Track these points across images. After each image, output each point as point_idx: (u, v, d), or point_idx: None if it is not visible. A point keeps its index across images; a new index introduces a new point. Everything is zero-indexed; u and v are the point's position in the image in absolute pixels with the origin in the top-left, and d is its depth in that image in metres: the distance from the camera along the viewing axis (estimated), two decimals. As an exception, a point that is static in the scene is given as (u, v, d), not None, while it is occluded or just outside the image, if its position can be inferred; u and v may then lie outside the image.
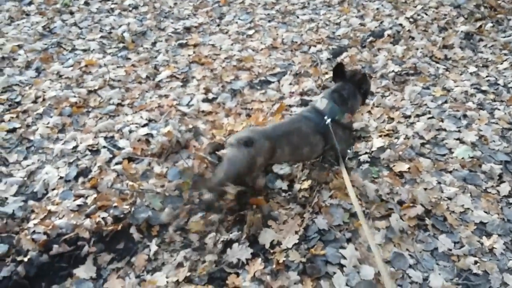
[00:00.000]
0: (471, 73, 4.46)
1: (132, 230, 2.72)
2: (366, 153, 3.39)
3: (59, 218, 2.74)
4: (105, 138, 3.40)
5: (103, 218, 2.74)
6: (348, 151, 3.26)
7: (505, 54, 4.87)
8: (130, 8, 5.24)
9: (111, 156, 3.22)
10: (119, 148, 3.28)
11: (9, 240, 2.59)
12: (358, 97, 3.04)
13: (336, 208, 2.88)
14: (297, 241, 2.66)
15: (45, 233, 2.62)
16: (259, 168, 2.64)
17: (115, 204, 2.82)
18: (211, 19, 5.16)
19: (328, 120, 2.76)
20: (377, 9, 5.52)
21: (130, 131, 3.41)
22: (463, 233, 2.80)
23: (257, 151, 2.54)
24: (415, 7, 5.64)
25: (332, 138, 2.76)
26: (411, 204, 2.92)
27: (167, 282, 2.45)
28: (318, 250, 2.62)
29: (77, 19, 4.98)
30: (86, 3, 5.31)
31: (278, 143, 2.64)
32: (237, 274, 2.50)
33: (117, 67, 4.22)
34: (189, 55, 4.43)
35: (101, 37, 4.71)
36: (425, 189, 3.07)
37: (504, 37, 5.22)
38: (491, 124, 3.72)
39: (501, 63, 4.69)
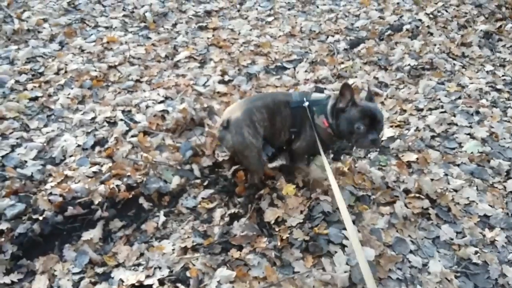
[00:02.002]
0: (487, 72, 4.47)
1: (141, 200, 2.83)
2: (376, 142, 3.43)
3: (75, 183, 2.85)
4: (123, 111, 3.50)
5: (116, 185, 2.84)
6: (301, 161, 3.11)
7: (524, 56, 4.86)
8: (153, -11, 5.35)
9: (127, 128, 3.33)
10: (136, 122, 3.39)
11: (26, 199, 2.71)
12: (351, 128, 2.55)
13: (342, 191, 2.94)
14: (301, 220, 2.73)
15: (61, 195, 2.73)
16: (255, 139, 2.65)
17: (129, 173, 2.93)
18: (231, 4, 5.23)
19: (306, 103, 2.69)
20: (398, 3, 5.53)
21: (147, 107, 3.51)
22: (466, 224, 2.84)
23: (236, 125, 2.60)
24: (436, 3, 5.63)
25: (300, 125, 2.73)
26: (417, 195, 2.97)
27: (174, 249, 2.55)
28: (321, 229, 2.69)
29: (101, -3, 5.11)
30: (111, -18, 5.43)
31: (255, 107, 2.66)
32: (241, 248, 2.59)
33: (138, 45, 4.33)
34: (208, 38, 4.51)
35: (124, 15, 4.82)
36: (432, 179, 3.11)
37: (524, 38, 5.20)
38: (503, 122, 3.74)
39: (518, 64, 4.68)
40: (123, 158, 3.05)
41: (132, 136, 3.25)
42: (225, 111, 2.81)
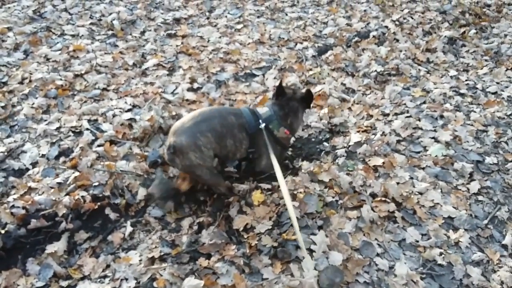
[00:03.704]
0: (451, 77, 4.59)
1: (108, 210, 2.79)
2: (343, 147, 3.48)
3: (39, 194, 2.79)
4: (89, 120, 3.45)
5: (82, 196, 2.80)
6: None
7: (486, 60, 5.02)
8: (122, -3, 5.32)
9: (93, 138, 3.29)
10: (102, 131, 3.35)
11: (-13, 213, 2.64)
12: (300, 116, 3.03)
13: (310, 196, 2.96)
14: (270, 227, 2.74)
15: (24, 207, 2.68)
16: (203, 161, 2.66)
17: (95, 183, 2.89)
18: (201, 12, 5.24)
19: (263, 125, 2.78)
20: (365, 11, 5.65)
21: (114, 115, 3.47)
22: (431, 226, 2.89)
23: (181, 151, 2.59)
24: (402, 10, 5.78)
25: (260, 145, 2.79)
26: (383, 198, 3.01)
27: (141, 260, 2.52)
28: (289, 235, 2.69)
29: (67, 5, 5.01)
30: (78, -10, 5.37)
31: (199, 132, 2.62)
32: (209, 256, 2.58)
33: (105, 53, 4.28)
34: (177, 46, 4.51)
35: (91, 23, 4.76)
36: (398, 183, 3.16)
37: (487, 43, 5.37)
38: (467, 125, 3.84)
39: (481, 68, 4.83)
40: (88, 168, 3.00)
41: (98, 146, 3.21)
42: (171, 129, 2.73)
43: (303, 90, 3.03)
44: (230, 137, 2.75)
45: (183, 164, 2.64)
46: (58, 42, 4.41)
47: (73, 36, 4.53)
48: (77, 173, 2.94)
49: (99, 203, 2.80)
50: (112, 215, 2.80)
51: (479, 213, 3.06)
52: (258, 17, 5.28)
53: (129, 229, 2.71)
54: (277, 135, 2.84)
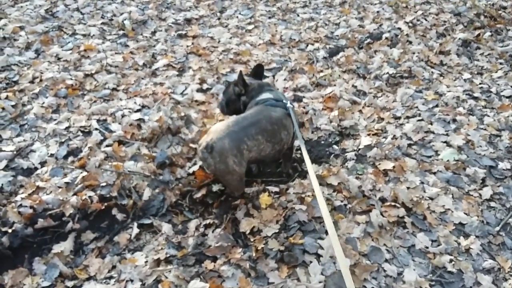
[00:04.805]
0: (464, 80, 4.51)
1: (115, 211, 2.79)
2: (353, 150, 3.44)
3: (47, 194, 2.80)
4: (98, 120, 3.45)
5: (89, 196, 2.80)
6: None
7: (501, 63, 4.92)
8: (133, -3, 5.33)
9: (102, 138, 3.29)
10: (111, 131, 3.35)
11: (-5, 212, 2.65)
12: None
13: (317, 200, 2.92)
14: (277, 230, 2.72)
15: (31, 207, 2.69)
16: (239, 167, 2.62)
17: (103, 183, 2.89)
18: (212, 12, 5.23)
19: (288, 103, 2.82)
20: (378, 12, 5.58)
21: (123, 115, 3.47)
22: (441, 232, 2.85)
23: (221, 153, 2.53)
24: (416, 12, 5.69)
25: (295, 122, 2.78)
26: (393, 203, 2.97)
27: (146, 261, 2.51)
28: (296, 239, 2.68)
29: (79, 5, 5.04)
30: (90, -10, 5.39)
31: (246, 136, 2.59)
32: (215, 259, 2.56)
33: (115, 53, 4.29)
34: (187, 46, 4.50)
35: (102, 23, 4.78)
36: (408, 188, 3.12)
37: (502, 46, 5.26)
38: (480, 129, 3.77)
39: (496, 72, 4.73)
40: (96, 168, 3.00)
41: (107, 146, 3.20)
42: (211, 129, 2.70)
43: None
44: (283, 129, 2.77)
45: (217, 167, 2.57)
46: (69, 42, 4.43)
47: (84, 35, 4.55)
48: (85, 173, 2.94)
49: (106, 204, 2.80)
50: (119, 216, 2.79)
51: (491, 219, 3.00)
52: (270, 17, 5.24)
53: (136, 230, 2.71)
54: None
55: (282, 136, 2.78)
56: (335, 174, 3.14)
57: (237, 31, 4.87)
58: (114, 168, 2.98)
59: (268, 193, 2.95)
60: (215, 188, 2.95)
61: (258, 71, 3.16)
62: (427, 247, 2.75)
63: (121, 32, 4.66)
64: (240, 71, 2.97)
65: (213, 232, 2.70)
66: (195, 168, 3.04)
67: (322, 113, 3.75)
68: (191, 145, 3.19)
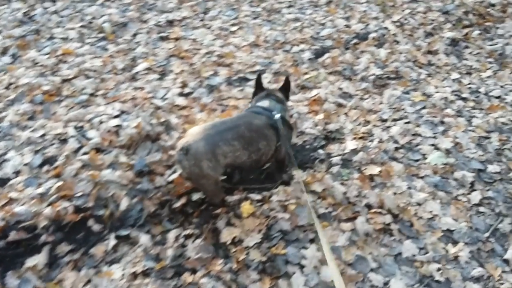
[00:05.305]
0: (453, 80, 4.44)
1: (91, 222, 2.68)
2: (339, 154, 3.35)
3: (21, 205, 2.68)
4: (75, 127, 3.32)
5: (64, 207, 2.69)
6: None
7: (490, 62, 4.86)
8: (114, -1, 5.18)
9: (79, 146, 3.16)
10: (88, 139, 3.22)
11: (-35, 225, 2.54)
12: (285, 101, 3.02)
13: (301, 208, 2.84)
14: (259, 240, 2.64)
15: (3, 219, 2.59)
16: (213, 171, 2.51)
17: (79, 193, 2.78)
18: (195, 14, 5.09)
19: (278, 115, 2.72)
20: (364, 11, 5.49)
21: (101, 122, 3.34)
22: (429, 240, 2.78)
23: (196, 156, 2.42)
24: (403, 11, 5.62)
25: (281, 136, 2.71)
26: (379, 210, 2.88)
27: (123, 274, 2.42)
28: (279, 249, 2.60)
29: (58, 8, 4.89)
30: (70, -9, 5.24)
31: (222, 140, 2.49)
32: (195, 271, 2.47)
33: (94, 57, 4.15)
34: (169, 49, 4.37)
35: (81, 26, 4.62)
36: (395, 193, 3.04)
37: (491, 45, 5.21)
38: (468, 131, 3.70)
39: (485, 71, 4.68)
40: (72, 178, 2.89)
41: (84, 154, 3.08)
42: (188, 131, 2.61)
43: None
44: (263, 139, 2.66)
45: (192, 170, 2.46)
46: (47, 46, 4.28)
47: (62, 39, 4.40)
48: (60, 183, 2.82)
49: (82, 215, 2.69)
50: (96, 227, 2.68)
51: (480, 225, 2.93)
52: (254, 18, 5.12)
53: (112, 242, 2.60)
54: (288, 120, 2.88)
55: (260, 146, 2.65)
56: (319, 180, 3.05)
57: (221, 33, 4.75)
58: (90, 177, 2.87)
59: (250, 201, 2.86)
60: (195, 197, 2.85)
61: (285, 85, 3.04)
62: (414, 255, 2.68)
63: (100, 35, 4.52)
64: (259, 74, 3.00)
65: (193, 242, 2.61)
66: (175, 176, 2.93)
67: (307, 117, 3.66)
68: (170, 152, 3.08)
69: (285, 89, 3.02)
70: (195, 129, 2.57)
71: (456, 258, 2.70)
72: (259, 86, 2.97)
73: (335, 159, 3.30)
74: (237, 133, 2.55)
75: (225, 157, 2.51)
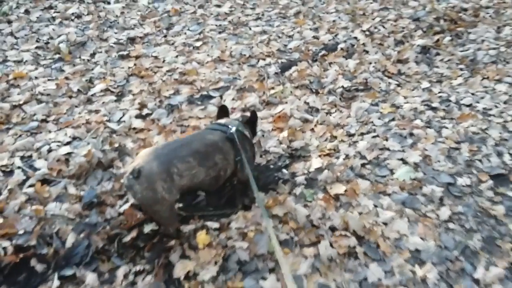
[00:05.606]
0: (423, 89, 4.33)
1: (33, 262, 2.49)
2: (303, 174, 3.21)
3: (-45, 248, 2.48)
4: (22, 157, 3.14)
5: (3, 248, 2.49)
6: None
7: (461, 69, 4.76)
8: (73, 17, 4.98)
9: (24, 178, 2.97)
10: (35, 169, 3.03)
11: None
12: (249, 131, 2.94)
13: (261, 235, 2.68)
14: (215, 273, 2.47)
15: None
16: (169, 194, 2.35)
17: (21, 231, 2.59)
18: (158, 30, 4.94)
19: (234, 128, 2.65)
20: (334, 21, 5.38)
21: (50, 150, 3.16)
22: (396, 262, 2.62)
23: (149, 178, 2.27)
24: (373, 19, 5.53)
25: (239, 149, 2.60)
26: (344, 232, 2.74)
27: (65, 319, 2.24)
28: (236, 282, 2.43)
29: (14, 29, 4.71)
30: (27, 12, 5.03)
31: (177, 158, 2.36)
32: (144, 312, 2.30)
33: (48, 79, 3.96)
34: (129, 68, 4.20)
35: (37, 47, 4.44)
36: (360, 213, 2.89)
37: (462, 51, 5.12)
38: (438, 143, 3.57)
39: (456, 79, 4.57)
40: (15, 214, 2.70)
41: (29, 186, 2.90)
42: (139, 154, 2.46)
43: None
44: (218, 152, 2.55)
45: (145, 194, 2.29)
46: (-2, 70, 4.11)
47: (16, 62, 4.22)
48: (1, 220, 2.64)
49: (22, 255, 2.50)
50: (39, 267, 2.49)
51: (449, 243, 2.78)
52: (220, 32, 4.99)
53: (56, 282, 2.41)
54: (246, 134, 2.81)
55: (217, 160, 2.53)
56: (281, 203, 2.90)
57: (184, 49, 4.60)
58: (34, 212, 2.68)
59: (207, 231, 2.69)
60: (147, 228, 2.67)
61: (252, 118, 2.99)
62: (380, 279, 2.52)
63: (56, 56, 4.33)
64: (222, 105, 3.02)
65: (143, 280, 2.43)
66: (127, 206, 2.76)
67: (271, 134, 3.52)
68: (123, 180, 2.90)
69: (252, 122, 2.96)
70: (146, 151, 2.43)
71: (424, 280, 2.54)
72: (225, 115, 2.94)
73: (299, 179, 3.15)
74: (191, 149, 2.44)
75: (181, 176, 2.36)
